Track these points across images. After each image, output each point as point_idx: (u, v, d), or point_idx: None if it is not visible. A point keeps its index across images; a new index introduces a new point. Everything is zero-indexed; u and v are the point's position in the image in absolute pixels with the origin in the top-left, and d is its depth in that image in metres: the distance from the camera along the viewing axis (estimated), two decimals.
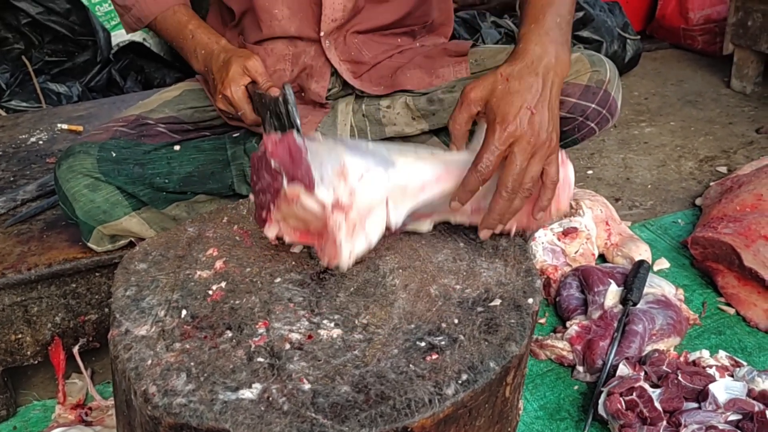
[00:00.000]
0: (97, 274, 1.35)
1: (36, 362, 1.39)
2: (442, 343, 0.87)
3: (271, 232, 0.96)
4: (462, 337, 0.87)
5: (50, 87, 2.38)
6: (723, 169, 2.23)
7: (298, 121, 1.13)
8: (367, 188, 0.90)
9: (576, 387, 1.41)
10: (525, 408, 1.36)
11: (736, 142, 2.42)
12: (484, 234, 1.03)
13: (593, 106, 1.36)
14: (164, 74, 2.90)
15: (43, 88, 2.35)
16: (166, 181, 1.32)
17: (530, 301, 0.94)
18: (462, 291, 0.96)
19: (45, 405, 1.43)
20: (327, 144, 0.92)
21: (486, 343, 0.87)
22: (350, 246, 0.91)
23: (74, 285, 1.35)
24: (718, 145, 2.40)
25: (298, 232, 0.96)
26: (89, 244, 1.31)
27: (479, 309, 0.92)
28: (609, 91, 1.37)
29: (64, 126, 1.84)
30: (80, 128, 1.82)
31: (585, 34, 2.78)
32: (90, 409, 1.38)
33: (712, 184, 2.02)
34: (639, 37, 3.02)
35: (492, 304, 0.93)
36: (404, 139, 1.49)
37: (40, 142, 1.77)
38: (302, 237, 0.96)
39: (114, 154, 1.29)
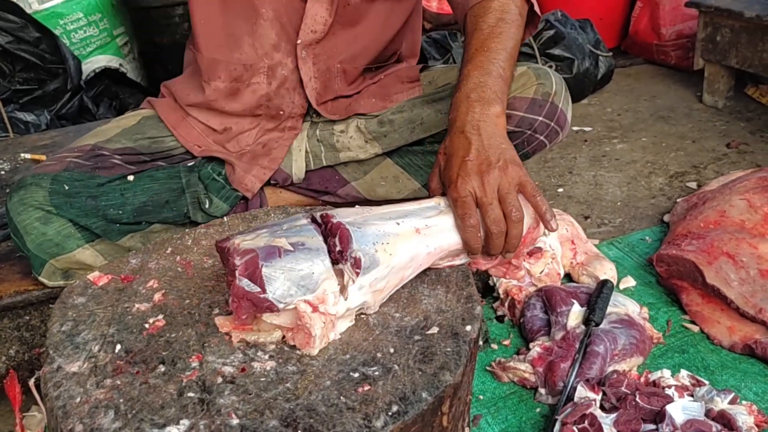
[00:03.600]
0: (50, 306, 1.34)
1: None
2: (376, 373, 0.86)
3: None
4: (396, 367, 0.86)
5: (18, 116, 2.37)
6: (693, 185, 2.23)
7: None
8: (341, 306, 0.91)
9: (538, 410, 1.40)
10: None
11: (707, 157, 2.42)
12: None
13: (540, 118, 1.36)
14: (139, 100, 2.89)
15: (11, 117, 2.34)
16: (120, 212, 1.31)
17: (468, 328, 0.93)
18: (401, 319, 0.95)
19: None
20: (301, 257, 0.90)
21: (420, 372, 0.86)
22: (324, 340, 0.90)
23: (27, 317, 1.33)
24: (689, 160, 2.41)
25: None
26: (40, 279, 1.29)
27: (416, 337, 0.92)
28: (556, 104, 1.37)
29: (27, 155, 1.83)
30: (43, 157, 1.81)
31: (556, 51, 2.79)
32: None
33: (679, 200, 2.02)
34: (611, 53, 3.03)
35: (429, 332, 0.92)
36: (359, 163, 1.49)
37: (2, 173, 1.76)
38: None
39: (66, 187, 1.27)
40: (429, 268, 1.03)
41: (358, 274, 0.90)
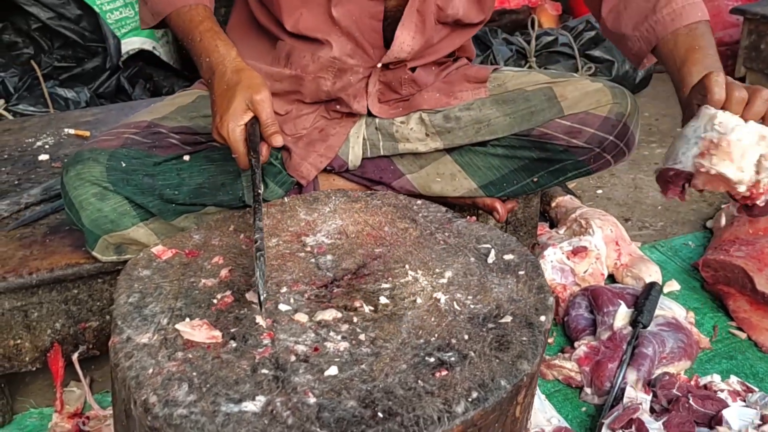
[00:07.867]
0: (99, 280, 1.33)
1: (34, 369, 1.36)
2: (452, 359, 0.84)
3: None
4: (472, 354, 0.85)
5: (58, 92, 2.36)
6: None
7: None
8: None
9: (584, 409, 1.38)
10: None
11: None
12: None
13: (611, 138, 1.36)
14: (173, 83, 2.89)
15: (51, 93, 2.33)
16: (176, 192, 1.29)
17: (542, 318, 0.91)
18: (473, 306, 0.94)
19: (42, 413, 1.40)
20: None
21: (497, 360, 0.84)
22: None
23: (76, 291, 1.32)
24: None
25: None
26: (93, 253, 1.27)
27: (490, 325, 0.90)
28: (628, 125, 1.37)
29: (71, 131, 1.82)
30: (87, 133, 1.80)
31: (596, 53, 2.76)
32: (88, 418, 1.35)
33: (723, 206, 1.99)
34: None
35: (503, 320, 0.91)
36: (415, 156, 1.46)
37: (47, 146, 1.75)
38: None
39: (123, 164, 1.25)
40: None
41: None
